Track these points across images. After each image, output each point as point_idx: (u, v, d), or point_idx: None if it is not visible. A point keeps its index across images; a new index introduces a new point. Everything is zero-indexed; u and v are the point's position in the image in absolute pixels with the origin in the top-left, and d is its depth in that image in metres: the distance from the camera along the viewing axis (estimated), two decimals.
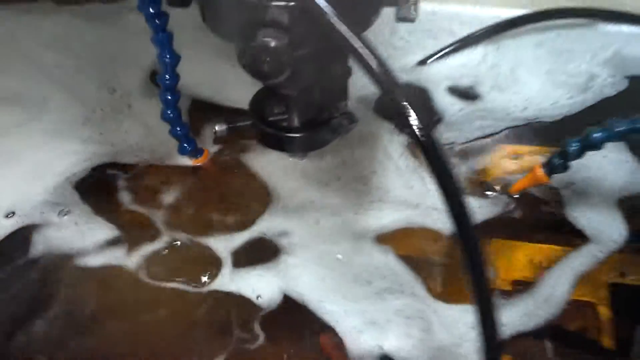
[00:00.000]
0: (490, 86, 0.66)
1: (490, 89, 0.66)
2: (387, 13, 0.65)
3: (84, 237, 0.53)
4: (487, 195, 0.56)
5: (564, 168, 0.53)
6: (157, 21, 0.52)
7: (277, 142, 0.52)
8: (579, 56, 0.69)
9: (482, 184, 0.57)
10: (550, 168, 0.53)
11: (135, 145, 0.61)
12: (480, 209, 0.54)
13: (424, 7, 0.70)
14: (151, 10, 0.50)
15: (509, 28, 0.72)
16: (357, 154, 0.60)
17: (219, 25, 0.43)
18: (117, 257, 0.52)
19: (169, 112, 0.57)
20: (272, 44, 0.39)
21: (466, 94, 0.65)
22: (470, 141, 0.61)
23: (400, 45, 0.73)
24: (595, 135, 0.50)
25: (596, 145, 0.50)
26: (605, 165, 0.56)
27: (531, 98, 0.65)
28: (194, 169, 0.60)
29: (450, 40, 0.71)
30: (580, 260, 0.50)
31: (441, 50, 0.71)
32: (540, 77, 0.67)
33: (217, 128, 0.54)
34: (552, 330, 0.46)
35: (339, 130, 0.50)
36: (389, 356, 0.45)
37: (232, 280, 0.50)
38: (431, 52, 0.71)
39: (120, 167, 0.59)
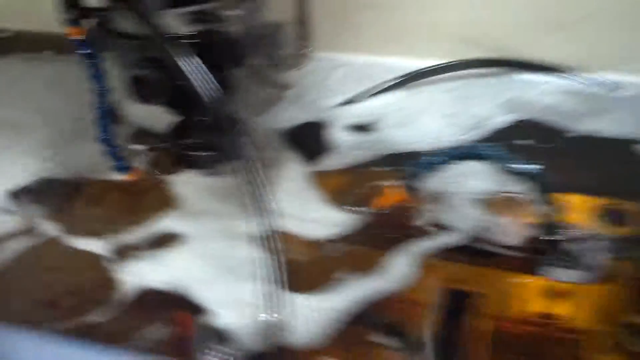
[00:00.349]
0: (391, 124, 0.75)
1: (389, 126, 0.75)
2: (326, 57, 0.77)
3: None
4: (353, 210, 0.65)
5: (413, 185, 0.61)
6: (91, 61, 0.65)
7: (187, 161, 0.63)
8: (479, 101, 0.77)
9: (348, 202, 0.65)
10: (406, 186, 0.62)
11: (78, 163, 0.74)
12: (346, 221, 0.63)
13: (362, 57, 0.82)
14: (87, 51, 0.63)
15: (426, 76, 0.82)
16: (259, 176, 0.70)
17: None
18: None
19: (102, 135, 0.69)
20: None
21: (364, 129, 0.75)
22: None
23: (334, 88, 0.84)
24: (422, 161, 0.59)
25: (426, 168, 0.58)
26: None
27: (425, 134, 0.73)
28: (122, 184, 0.72)
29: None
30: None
31: (362, 93, 0.81)
32: (440, 118, 0.75)
33: (134, 147, 0.66)
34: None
35: (237, 155, 0.61)
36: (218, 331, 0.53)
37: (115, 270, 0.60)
38: (356, 94, 0.81)
39: (60, 181, 0.72)
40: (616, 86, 0.77)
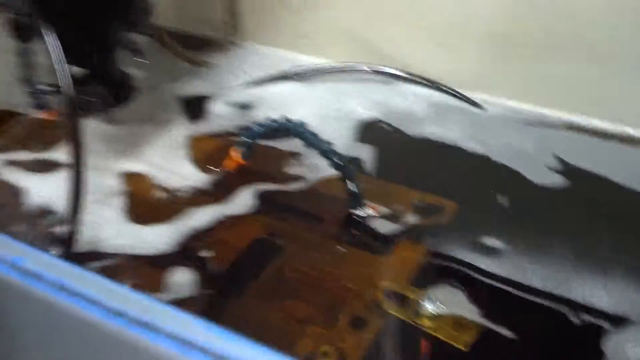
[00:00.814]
0: (268, 107, 0.88)
1: (265, 108, 0.88)
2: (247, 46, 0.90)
3: None
4: (211, 170, 0.78)
5: (249, 153, 0.74)
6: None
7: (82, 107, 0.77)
8: (350, 99, 0.89)
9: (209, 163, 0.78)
10: (243, 155, 0.74)
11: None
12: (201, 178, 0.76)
13: (276, 50, 0.95)
14: None
15: (319, 73, 0.94)
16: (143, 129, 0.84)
17: None
18: None
19: (23, 75, 0.83)
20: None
21: (244, 107, 0.88)
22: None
23: (242, 72, 0.97)
24: (253, 132, 0.71)
25: (253, 137, 0.71)
26: None
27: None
28: (37, 120, 0.86)
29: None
30: None
31: (260, 80, 0.94)
32: (309, 107, 0.88)
33: (43, 87, 0.80)
34: None
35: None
36: None
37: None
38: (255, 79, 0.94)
39: None
40: (480, 104, 0.88)
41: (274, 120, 0.70)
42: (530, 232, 0.68)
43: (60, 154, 0.79)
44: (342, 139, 0.82)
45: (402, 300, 0.60)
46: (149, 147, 0.81)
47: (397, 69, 0.92)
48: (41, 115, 0.86)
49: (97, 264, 0.64)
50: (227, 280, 0.63)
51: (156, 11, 1.02)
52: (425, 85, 0.91)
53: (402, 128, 0.85)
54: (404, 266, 0.65)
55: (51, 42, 0.64)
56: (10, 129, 0.85)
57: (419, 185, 0.75)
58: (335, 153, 0.68)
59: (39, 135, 0.84)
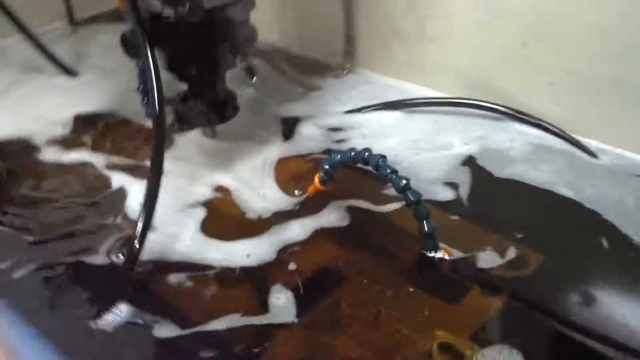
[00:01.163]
0: (360, 132, 0.87)
1: (357, 134, 0.87)
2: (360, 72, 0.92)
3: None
4: (296, 194, 0.78)
5: (329, 179, 0.73)
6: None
7: (183, 121, 0.82)
8: (448, 134, 0.86)
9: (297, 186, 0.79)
10: (320, 181, 0.74)
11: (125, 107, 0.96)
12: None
13: (387, 79, 0.95)
14: None
15: (421, 105, 0.92)
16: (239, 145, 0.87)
17: None
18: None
19: (141, 87, 0.90)
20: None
21: (336, 131, 0.88)
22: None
23: (344, 100, 0.98)
24: (331, 160, 0.71)
25: (330, 164, 0.71)
26: None
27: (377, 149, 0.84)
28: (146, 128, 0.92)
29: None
30: None
31: (363, 107, 0.94)
32: (401, 137, 0.86)
33: None
34: None
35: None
36: None
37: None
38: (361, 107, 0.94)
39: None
40: (589, 150, 0.81)
41: (352, 149, 0.69)
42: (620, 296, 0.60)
43: (167, 163, 0.83)
44: (431, 173, 0.79)
45: (456, 356, 0.56)
46: (241, 164, 0.83)
47: (503, 105, 0.87)
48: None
49: (162, 275, 0.66)
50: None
51: (279, 31, 1.06)
52: (530, 123, 0.85)
53: (497, 167, 0.80)
54: (470, 318, 0.61)
55: (148, 58, 0.67)
56: (123, 135, 0.92)
57: (504, 229, 0.70)
58: (411, 190, 0.66)
59: (148, 143, 0.89)
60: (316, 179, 0.74)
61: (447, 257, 0.67)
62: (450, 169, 0.80)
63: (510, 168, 0.79)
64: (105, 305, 0.62)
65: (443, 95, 0.93)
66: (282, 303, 0.62)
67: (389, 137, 0.86)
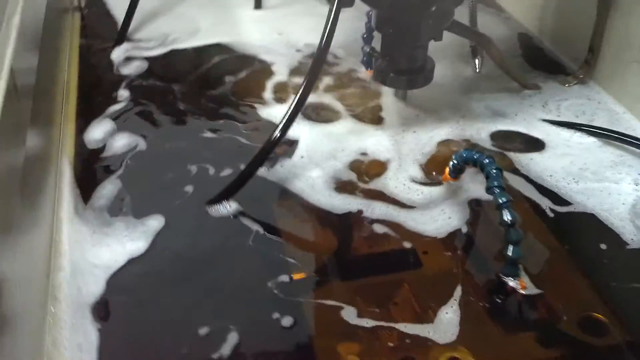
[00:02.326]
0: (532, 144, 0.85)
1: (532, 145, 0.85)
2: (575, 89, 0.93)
3: None
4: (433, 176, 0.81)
5: (457, 173, 0.75)
6: None
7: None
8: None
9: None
10: (451, 172, 0.76)
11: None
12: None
13: (609, 104, 0.90)
14: None
15: (627, 143, 0.84)
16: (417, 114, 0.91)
17: None
18: None
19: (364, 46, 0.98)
20: None
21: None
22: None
23: (551, 109, 0.93)
24: (463, 155, 0.72)
25: (466, 162, 0.72)
26: None
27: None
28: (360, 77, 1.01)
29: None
30: None
31: (562, 122, 0.89)
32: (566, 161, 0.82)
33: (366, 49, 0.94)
34: None
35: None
36: None
37: None
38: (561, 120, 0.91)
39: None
40: None
41: (479, 152, 0.70)
42: None
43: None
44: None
45: None
46: (408, 133, 0.88)
47: None
48: (365, 73, 1.01)
49: None
50: None
51: (531, 16, 1.03)
52: None
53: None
54: (505, 352, 0.60)
55: (332, 11, 0.75)
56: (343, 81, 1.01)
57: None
58: (509, 210, 0.64)
59: (354, 90, 0.98)
60: (446, 170, 0.76)
61: (520, 289, 0.65)
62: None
63: None
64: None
65: None
66: None
67: (561, 156, 0.82)
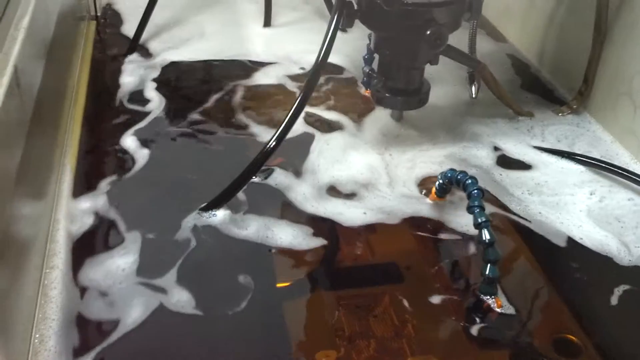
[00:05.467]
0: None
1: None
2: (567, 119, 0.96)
3: None
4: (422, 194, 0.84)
5: (443, 193, 0.77)
6: None
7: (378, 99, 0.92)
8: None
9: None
10: (437, 192, 0.78)
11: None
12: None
13: (600, 133, 0.93)
14: None
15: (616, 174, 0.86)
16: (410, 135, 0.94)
17: None
18: None
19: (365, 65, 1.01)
20: None
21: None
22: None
23: (545, 137, 0.96)
24: (448, 174, 0.74)
25: (450, 182, 0.74)
26: None
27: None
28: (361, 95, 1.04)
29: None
30: None
31: (552, 150, 0.92)
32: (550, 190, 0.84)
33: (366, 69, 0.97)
34: None
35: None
36: None
37: None
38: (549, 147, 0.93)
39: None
40: None
41: (462, 172, 0.72)
42: None
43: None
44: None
45: None
46: (402, 152, 0.91)
47: None
48: (364, 92, 1.04)
49: None
50: None
51: (529, 43, 1.06)
52: None
53: None
54: None
55: (332, 22, 0.78)
56: (346, 95, 1.04)
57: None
58: (488, 230, 0.67)
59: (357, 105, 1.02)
60: (433, 190, 0.78)
61: (496, 307, 0.67)
62: None
63: None
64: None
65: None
66: None
67: (537, 178, 0.85)
